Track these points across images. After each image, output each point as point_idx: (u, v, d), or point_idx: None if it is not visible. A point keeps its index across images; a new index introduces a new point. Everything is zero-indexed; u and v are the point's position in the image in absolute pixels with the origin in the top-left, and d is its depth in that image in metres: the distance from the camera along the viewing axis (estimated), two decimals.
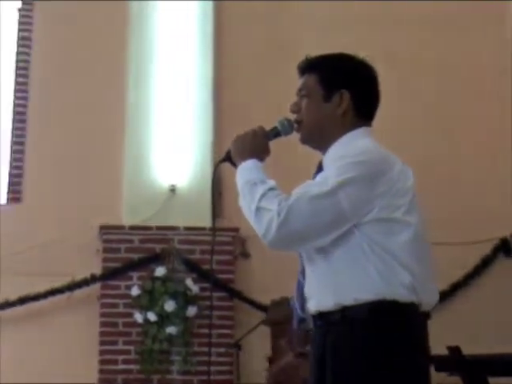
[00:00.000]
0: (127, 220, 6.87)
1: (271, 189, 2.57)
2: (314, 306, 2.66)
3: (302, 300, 2.77)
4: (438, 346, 5.71)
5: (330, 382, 2.54)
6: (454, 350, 5.64)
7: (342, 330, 2.54)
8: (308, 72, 2.77)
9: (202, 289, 6.75)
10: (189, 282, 6.70)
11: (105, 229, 6.82)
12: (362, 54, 2.83)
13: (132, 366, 6.61)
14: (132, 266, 6.76)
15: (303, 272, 2.77)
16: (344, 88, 2.69)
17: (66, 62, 7.25)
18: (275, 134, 2.78)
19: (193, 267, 6.78)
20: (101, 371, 6.62)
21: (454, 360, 5.67)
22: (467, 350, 5.70)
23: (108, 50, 7.27)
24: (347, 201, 2.50)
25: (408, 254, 2.56)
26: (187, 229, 6.84)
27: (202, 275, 6.77)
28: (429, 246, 2.70)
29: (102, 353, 6.65)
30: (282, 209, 2.48)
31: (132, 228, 6.83)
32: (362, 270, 2.52)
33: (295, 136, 2.81)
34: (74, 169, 7.06)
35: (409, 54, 7.51)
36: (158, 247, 6.82)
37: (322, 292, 2.61)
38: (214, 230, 2.99)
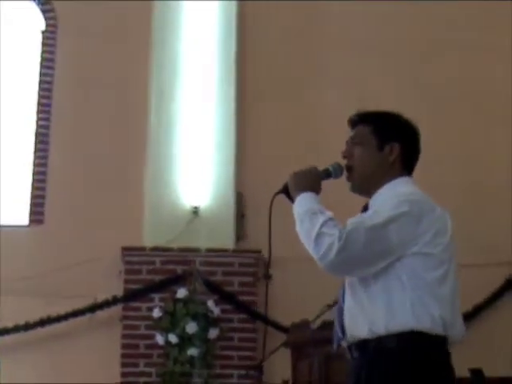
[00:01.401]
0: (149, 242, 6.86)
1: (331, 219, 2.81)
2: (351, 331, 2.87)
3: (342, 324, 2.93)
4: (460, 368, 5.68)
5: None
6: (477, 373, 5.60)
7: (376, 359, 2.76)
8: (362, 123, 3.06)
9: (224, 311, 6.74)
10: (210, 303, 6.67)
11: (126, 250, 6.83)
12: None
13: None
14: (153, 287, 6.76)
15: (343, 296, 2.95)
16: (395, 141, 2.99)
17: (88, 83, 7.30)
18: (327, 175, 3.05)
19: (214, 289, 6.76)
20: None
21: (477, 382, 5.63)
22: (490, 372, 5.65)
23: (130, 71, 7.31)
24: (396, 234, 2.76)
25: (443, 288, 2.79)
26: (209, 250, 6.82)
27: (224, 297, 6.75)
28: (459, 285, 2.89)
29: (123, 375, 6.64)
30: (341, 235, 2.72)
31: (153, 249, 6.82)
32: (396, 300, 2.75)
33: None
34: (96, 190, 7.08)
35: (440, 81, 7.49)
36: (179, 269, 6.81)
37: (358, 318, 2.83)
38: (269, 255, 3.15)
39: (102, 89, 7.29)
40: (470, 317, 6.83)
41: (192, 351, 6.55)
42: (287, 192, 3.00)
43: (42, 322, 6.63)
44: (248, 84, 7.39)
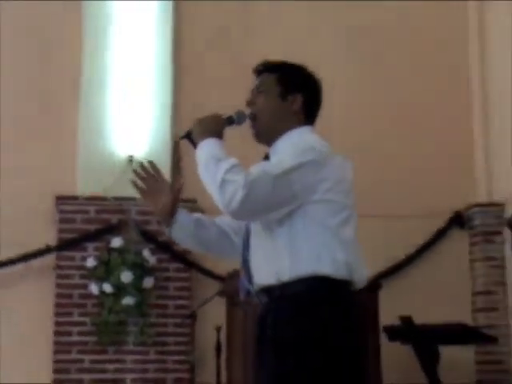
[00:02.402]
0: (83, 190, 6.81)
1: (235, 165, 2.83)
2: (258, 280, 2.93)
3: (249, 274, 2.98)
4: (391, 315, 5.81)
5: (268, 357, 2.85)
6: (406, 320, 5.72)
7: (281, 305, 2.84)
8: (267, 72, 3.13)
9: (159, 260, 6.75)
10: (146, 253, 6.67)
11: (60, 199, 6.77)
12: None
13: (87, 338, 6.59)
14: (88, 236, 6.72)
15: (247, 246, 3.01)
16: (298, 91, 3.07)
17: (21, 32, 7.10)
18: (230, 122, 3.09)
19: (150, 238, 6.76)
20: (55, 343, 6.59)
21: (406, 329, 5.76)
22: (420, 319, 5.78)
23: (63, 20, 7.15)
24: (298, 181, 2.82)
25: (346, 231, 2.88)
26: None
27: (159, 246, 6.75)
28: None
29: (57, 324, 6.62)
30: (246, 183, 2.75)
31: (88, 199, 6.77)
32: (299, 245, 2.82)
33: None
34: (29, 140, 6.94)
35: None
36: (114, 218, 6.79)
37: (264, 266, 2.90)
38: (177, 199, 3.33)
39: (33, 37, 7.09)
40: (401, 266, 6.97)
41: (127, 300, 6.56)
42: (190, 138, 3.04)
43: None
44: (185, 27, 7.31)
